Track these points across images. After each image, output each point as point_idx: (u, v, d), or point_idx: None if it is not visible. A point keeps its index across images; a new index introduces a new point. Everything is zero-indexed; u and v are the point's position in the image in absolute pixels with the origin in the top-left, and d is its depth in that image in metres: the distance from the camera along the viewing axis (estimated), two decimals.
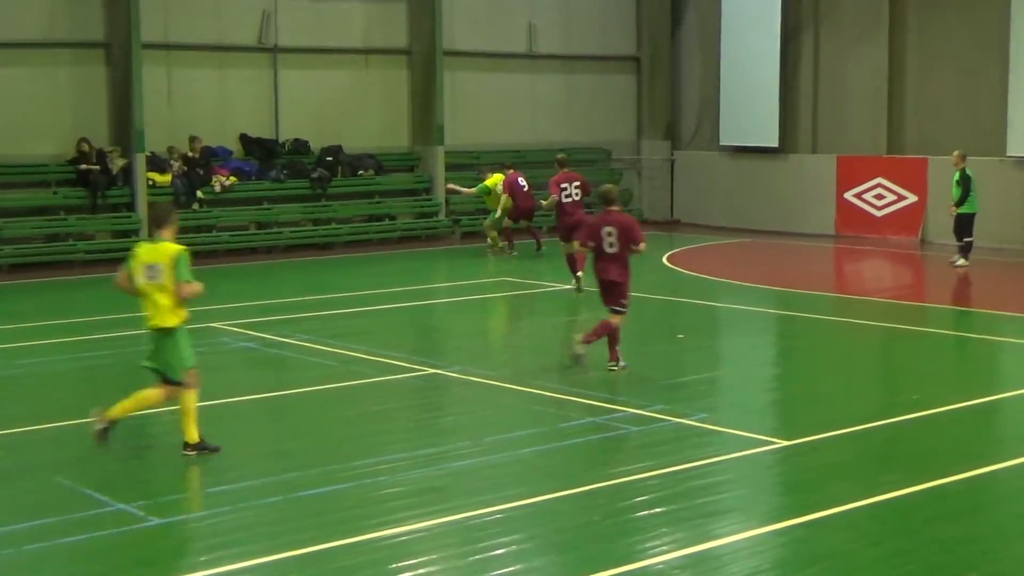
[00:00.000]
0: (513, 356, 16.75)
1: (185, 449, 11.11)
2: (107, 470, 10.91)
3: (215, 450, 11.17)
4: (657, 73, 33.64)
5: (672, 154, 33.84)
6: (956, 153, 23.78)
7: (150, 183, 25.56)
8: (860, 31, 29.99)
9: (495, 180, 25.93)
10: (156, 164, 25.92)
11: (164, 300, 10.90)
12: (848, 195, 29.86)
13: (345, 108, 29.30)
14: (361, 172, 29.01)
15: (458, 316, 20.10)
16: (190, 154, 26.30)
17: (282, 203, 27.89)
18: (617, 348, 14.54)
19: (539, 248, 25.55)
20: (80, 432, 11.46)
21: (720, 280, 22.61)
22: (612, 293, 14.65)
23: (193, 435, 11.08)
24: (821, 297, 21.09)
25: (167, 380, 11.07)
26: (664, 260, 25.26)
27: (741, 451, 11.41)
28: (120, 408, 11.14)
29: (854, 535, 9.28)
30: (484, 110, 31.20)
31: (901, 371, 15.81)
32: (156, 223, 11.33)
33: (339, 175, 28.62)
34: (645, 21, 33.55)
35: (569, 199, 21.11)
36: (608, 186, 15.31)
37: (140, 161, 25.48)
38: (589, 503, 9.92)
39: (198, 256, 26.01)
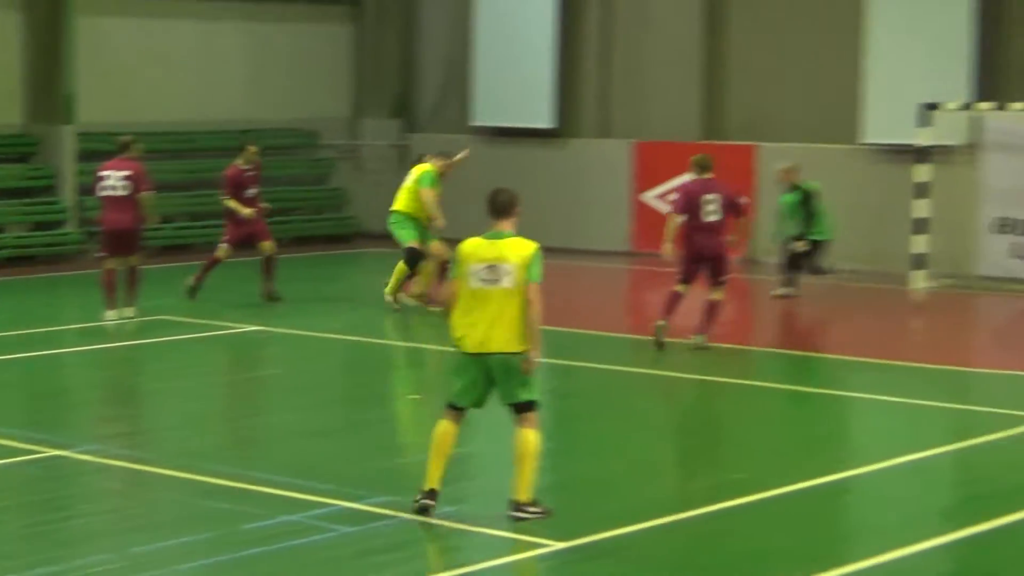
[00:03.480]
0: (173, 429, 16.50)
1: None
2: None
3: None
4: (385, 24, 33.74)
5: (405, 138, 33.97)
6: (783, 167, 24.41)
7: None
8: None
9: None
10: None
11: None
12: (647, 196, 30.52)
13: None
14: None
15: (95, 373, 19.71)
16: None
17: None
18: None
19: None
20: None
21: None
22: (718, 267, 19.66)
23: None
24: (610, 339, 21.43)
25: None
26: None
27: (500, 558, 11.48)
28: None
29: None
30: (134, 73, 30.76)
31: (720, 440, 16.21)
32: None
33: None
34: None
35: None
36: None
37: None
38: None
39: None
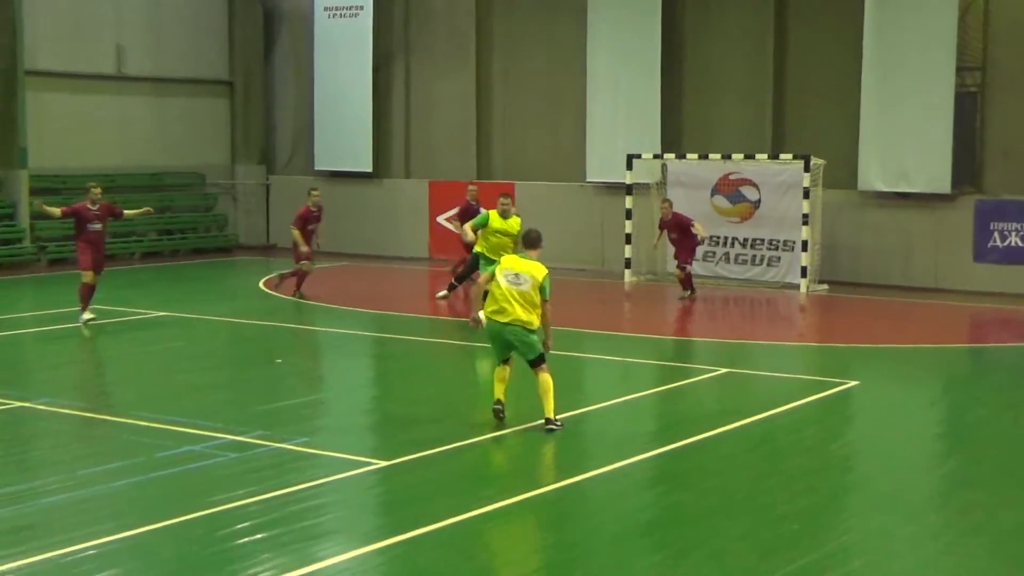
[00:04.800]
0: (105, 386, 16.17)
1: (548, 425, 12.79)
2: None
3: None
4: (250, 98, 33.48)
5: (267, 179, 33.76)
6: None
7: None
8: (449, 62, 30.89)
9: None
10: None
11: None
12: (440, 219, 30.61)
13: None
14: None
15: (46, 346, 19.22)
16: None
17: None
18: None
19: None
20: None
21: (317, 304, 22.64)
22: None
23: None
24: (415, 320, 21.48)
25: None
26: (260, 285, 25.17)
27: (342, 473, 11.45)
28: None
29: (452, 551, 9.47)
30: (71, 132, 30.11)
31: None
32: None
33: None
34: (237, 46, 33.36)
35: None
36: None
37: None
38: (188, 533, 9.69)
39: None
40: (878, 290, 24.81)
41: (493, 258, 17.81)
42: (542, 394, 12.83)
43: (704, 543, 9.78)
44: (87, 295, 19.60)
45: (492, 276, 13.16)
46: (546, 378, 12.78)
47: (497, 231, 18.80)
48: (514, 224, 18.81)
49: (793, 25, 26.78)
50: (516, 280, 12.74)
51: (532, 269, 12.81)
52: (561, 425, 12.89)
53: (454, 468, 11.84)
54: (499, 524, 10.09)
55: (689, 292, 23.37)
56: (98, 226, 19.72)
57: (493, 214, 18.94)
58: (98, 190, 20.08)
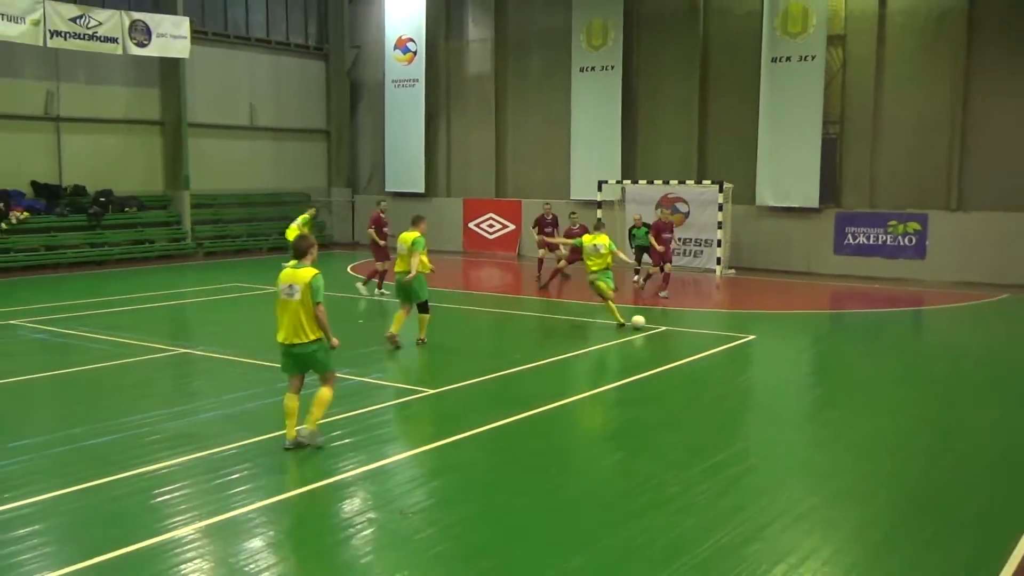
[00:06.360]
0: (243, 338, 16.13)
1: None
2: None
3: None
4: (341, 141, 33.37)
5: (353, 197, 33.63)
6: (637, 216, 22.85)
7: None
8: (477, 116, 30.76)
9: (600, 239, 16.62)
10: None
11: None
12: (471, 224, 30.53)
13: (114, 163, 27.51)
14: (127, 209, 27.33)
15: (202, 311, 19.21)
16: None
17: (65, 231, 25.91)
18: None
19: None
20: None
21: (388, 283, 22.51)
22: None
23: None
24: (452, 293, 21.42)
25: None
26: (348, 270, 25.13)
27: (403, 398, 11.45)
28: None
29: (479, 450, 9.49)
30: (219, 165, 29.98)
31: (508, 340, 16.23)
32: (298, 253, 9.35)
33: (110, 211, 26.87)
34: (333, 105, 33.21)
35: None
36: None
37: None
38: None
39: (0, 272, 23.82)
40: (769, 274, 24.71)
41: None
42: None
43: (651, 446, 9.77)
44: (381, 276, 20.06)
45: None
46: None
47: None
48: (589, 239, 16.57)
49: (711, 90, 26.63)
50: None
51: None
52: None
53: (480, 394, 11.79)
54: (509, 433, 10.08)
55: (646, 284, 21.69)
56: (387, 230, 20.39)
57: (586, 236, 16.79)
58: (385, 203, 20.97)
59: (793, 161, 24.77)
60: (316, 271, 9.36)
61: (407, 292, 14.36)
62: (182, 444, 9.46)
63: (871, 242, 24.35)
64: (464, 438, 9.73)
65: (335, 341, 9.37)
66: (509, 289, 23.06)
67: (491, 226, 30.26)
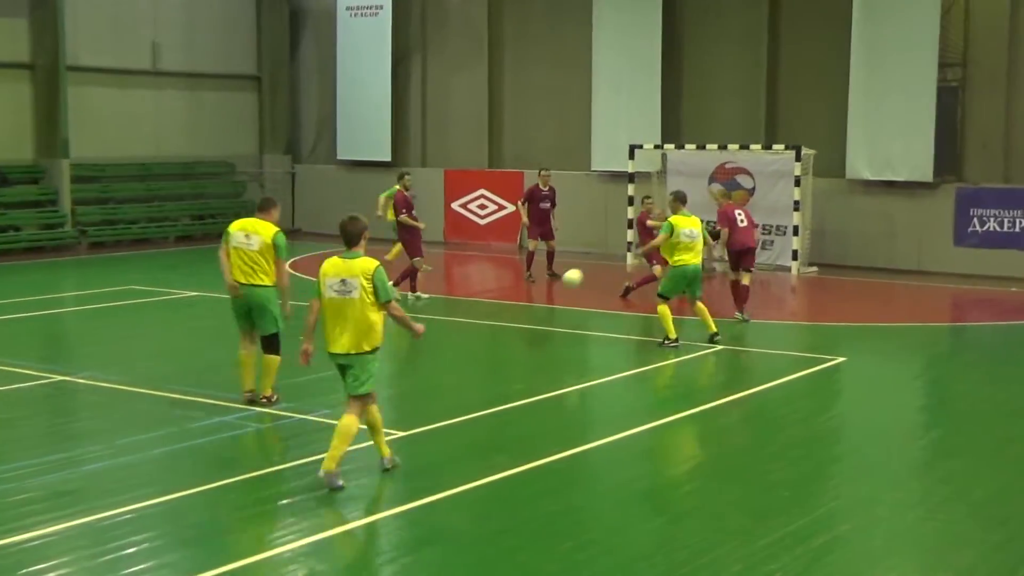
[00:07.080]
0: (142, 362, 16.14)
1: None
2: None
3: None
4: (277, 92, 33.46)
5: (293, 167, 33.73)
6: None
7: None
8: (463, 58, 30.81)
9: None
10: None
11: None
12: (455, 205, 30.58)
13: None
14: None
15: (86, 324, 19.22)
16: None
17: None
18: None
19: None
20: None
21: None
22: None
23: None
24: (433, 300, 21.42)
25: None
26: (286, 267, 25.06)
27: (361, 444, 11.43)
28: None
29: (465, 514, 9.49)
30: (110, 124, 30.04)
31: (505, 364, 16.26)
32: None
33: None
34: (265, 43, 33.30)
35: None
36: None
37: None
38: (219, 498, 9.71)
39: None
40: (864, 272, 24.75)
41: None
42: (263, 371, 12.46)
43: (702, 508, 9.77)
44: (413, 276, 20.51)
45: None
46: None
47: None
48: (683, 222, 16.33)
49: (785, 24, 26.69)
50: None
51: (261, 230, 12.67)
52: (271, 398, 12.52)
53: (469, 437, 11.81)
54: (508, 490, 10.06)
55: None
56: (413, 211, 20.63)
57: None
58: (408, 177, 21.37)
59: (898, 119, 24.81)
60: (377, 262, 9.81)
61: (252, 312, 12.99)
62: (60, 506, 9.45)
63: (1005, 229, 24.39)
64: (445, 498, 9.73)
65: (419, 328, 10.05)
66: (507, 293, 23.06)
67: (482, 207, 30.30)
